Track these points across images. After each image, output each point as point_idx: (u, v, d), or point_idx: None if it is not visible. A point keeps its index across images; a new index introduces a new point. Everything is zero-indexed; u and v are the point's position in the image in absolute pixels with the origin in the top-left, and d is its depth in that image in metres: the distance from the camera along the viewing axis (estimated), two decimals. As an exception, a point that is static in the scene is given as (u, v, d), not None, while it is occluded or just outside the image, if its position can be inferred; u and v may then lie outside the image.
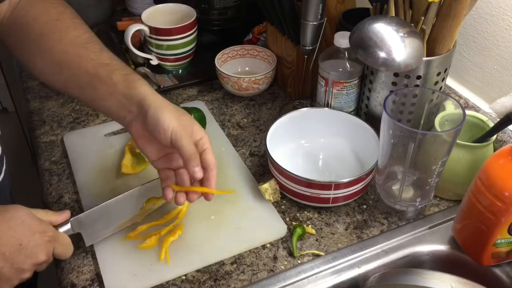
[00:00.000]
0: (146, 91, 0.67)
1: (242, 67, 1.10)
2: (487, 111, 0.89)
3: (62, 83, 0.72)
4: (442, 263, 0.76)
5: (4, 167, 0.75)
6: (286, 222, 0.78)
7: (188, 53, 1.11)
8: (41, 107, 1.04)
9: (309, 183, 0.76)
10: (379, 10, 0.83)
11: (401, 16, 0.79)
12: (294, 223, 0.78)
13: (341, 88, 0.88)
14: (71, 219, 0.68)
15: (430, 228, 0.78)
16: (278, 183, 0.81)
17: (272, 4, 0.94)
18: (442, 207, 0.82)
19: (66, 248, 0.66)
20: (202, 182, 0.70)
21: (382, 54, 0.74)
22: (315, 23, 0.86)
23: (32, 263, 0.61)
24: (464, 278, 0.62)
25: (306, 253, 0.74)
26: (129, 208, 0.74)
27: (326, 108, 0.91)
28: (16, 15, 0.72)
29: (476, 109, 0.91)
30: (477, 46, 0.92)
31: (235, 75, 1.00)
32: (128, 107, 0.67)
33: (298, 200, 0.80)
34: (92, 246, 0.75)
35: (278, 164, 0.78)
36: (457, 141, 0.74)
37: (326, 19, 0.87)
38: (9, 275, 0.60)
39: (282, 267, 0.73)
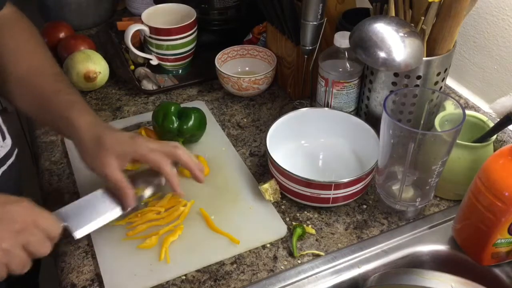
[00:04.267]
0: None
1: (242, 67, 1.10)
2: (487, 111, 0.89)
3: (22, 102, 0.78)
4: (442, 263, 0.76)
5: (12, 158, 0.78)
6: (286, 222, 0.78)
7: (188, 53, 1.11)
8: (41, 107, 1.04)
9: (309, 183, 0.76)
10: (379, 10, 0.83)
11: (401, 16, 0.79)
12: (294, 223, 0.78)
13: (341, 88, 0.88)
14: (53, 212, 0.67)
15: (430, 228, 0.78)
16: (278, 183, 0.81)
17: (272, 4, 0.94)
18: (442, 207, 0.82)
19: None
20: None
21: (382, 54, 0.74)
22: (315, 23, 0.86)
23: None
24: (464, 278, 0.62)
25: (306, 253, 0.74)
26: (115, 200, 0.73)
27: (326, 108, 0.91)
28: None
29: (476, 109, 0.91)
30: (477, 46, 0.92)
31: (235, 75, 1.00)
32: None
33: (298, 200, 0.80)
34: (92, 246, 0.75)
35: (278, 164, 0.78)
36: (457, 141, 0.74)
37: (326, 19, 0.87)
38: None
39: (282, 267, 0.73)
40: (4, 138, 0.75)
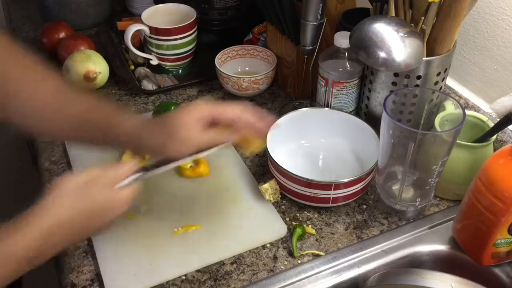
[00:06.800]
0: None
1: (242, 67, 1.10)
2: (487, 111, 0.89)
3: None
4: (442, 263, 0.76)
5: None
6: (286, 222, 0.78)
7: (188, 53, 1.11)
8: (41, 107, 1.04)
9: (309, 183, 0.76)
10: (379, 10, 0.83)
11: (401, 16, 0.79)
12: (294, 223, 0.78)
13: (341, 88, 0.88)
14: None
15: (430, 228, 0.78)
16: (278, 183, 0.81)
17: (272, 4, 0.94)
18: (442, 207, 0.82)
19: None
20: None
21: (382, 54, 0.74)
22: (315, 23, 0.86)
23: None
24: (464, 278, 0.62)
25: (306, 253, 0.74)
26: None
27: (326, 108, 0.91)
28: None
29: (476, 109, 0.91)
30: (477, 46, 0.92)
31: (235, 75, 1.00)
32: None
33: (298, 200, 0.80)
34: (92, 246, 0.75)
35: (278, 164, 0.78)
36: (457, 141, 0.74)
37: (326, 19, 0.87)
38: None
39: (282, 267, 0.73)
40: None
